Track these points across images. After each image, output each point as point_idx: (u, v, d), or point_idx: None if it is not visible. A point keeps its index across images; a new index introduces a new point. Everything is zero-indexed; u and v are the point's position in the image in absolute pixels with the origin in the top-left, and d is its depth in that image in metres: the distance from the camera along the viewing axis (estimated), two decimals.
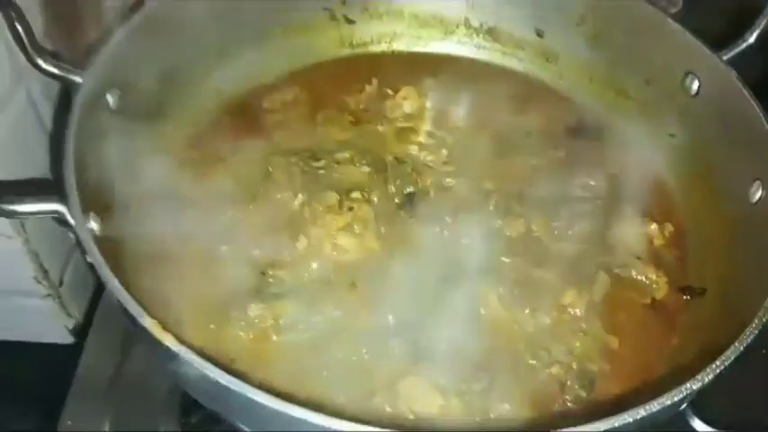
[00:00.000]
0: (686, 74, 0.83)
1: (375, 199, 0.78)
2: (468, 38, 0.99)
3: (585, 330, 0.72)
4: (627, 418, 0.50)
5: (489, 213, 0.79)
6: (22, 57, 0.77)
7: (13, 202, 0.59)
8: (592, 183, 0.83)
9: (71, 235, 0.60)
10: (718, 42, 0.80)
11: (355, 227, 0.75)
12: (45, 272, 0.88)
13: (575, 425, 0.49)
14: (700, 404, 0.63)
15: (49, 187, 0.61)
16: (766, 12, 0.79)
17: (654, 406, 0.52)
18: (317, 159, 0.81)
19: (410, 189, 0.80)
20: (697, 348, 0.68)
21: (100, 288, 0.97)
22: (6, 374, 0.93)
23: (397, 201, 0.80)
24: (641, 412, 0.51)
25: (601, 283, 0.74)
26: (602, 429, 0.50)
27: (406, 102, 0.90)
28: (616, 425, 0.50)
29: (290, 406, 0.47)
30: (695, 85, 0.82)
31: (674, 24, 0.82)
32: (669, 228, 0.81)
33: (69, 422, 0.78)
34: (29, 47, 0.68)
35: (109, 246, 0.64)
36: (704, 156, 0.82)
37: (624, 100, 0.92)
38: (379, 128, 0.89)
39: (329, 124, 0.89)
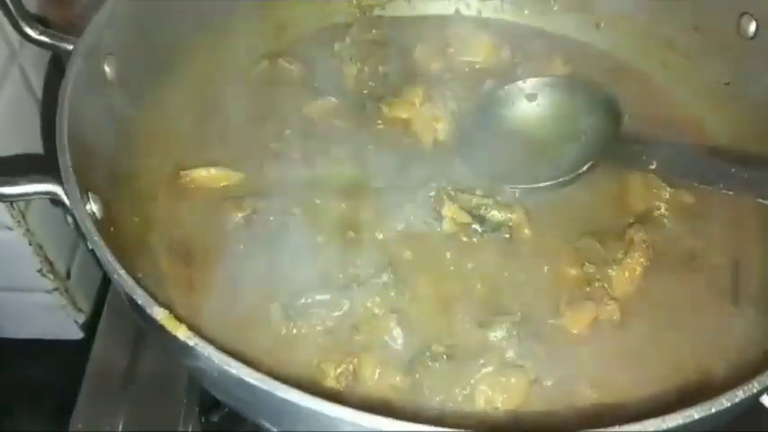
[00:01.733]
0: (741, 15, 0.74)
1: None
2: None
3: None
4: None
5: None
6: (14, 33, 0.72)
7: (2, 184, 0.53)
8: None
9: (69, 219, 0.54)
10: None
11: None
12: (50, 264, 0.84)
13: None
14: None
15: (43, 166, 0.54)
16: None
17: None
18: None
19: None
20: None
21: (107, 278, 0.92)
22: (15, 373, 0.89)
23: None
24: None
25: None
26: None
27: None
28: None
29: (329, 405, 0.41)
30: (752, 27, 0.74)
31: None
32: None
33: (80, 424, 0.72)
34: (15, 13, 0.62)
35: (112, 230, 0.58)
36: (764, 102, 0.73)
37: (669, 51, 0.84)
38: None
39: None
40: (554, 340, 0.64)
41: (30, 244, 0.80)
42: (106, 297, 0.88)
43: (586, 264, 0.68)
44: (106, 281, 0.93)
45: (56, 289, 0.85)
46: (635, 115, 0.77)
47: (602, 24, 0.89)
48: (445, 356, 0.62)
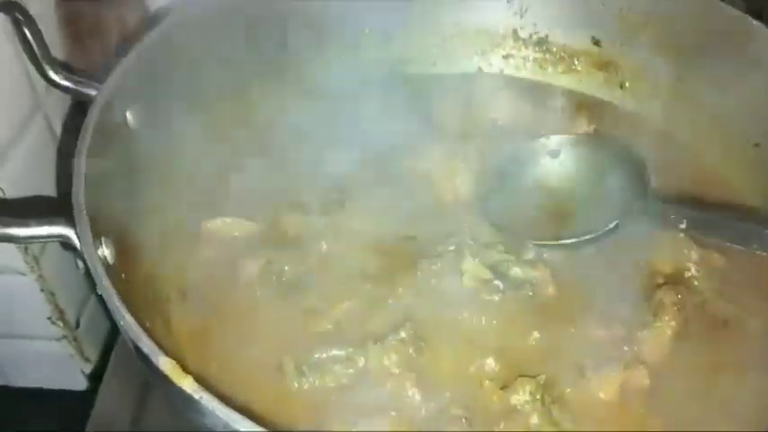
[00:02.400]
0: None
1: None
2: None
3: None
4: None
5: None
6: (39, 80, 0.73)
7: (12, 225, 0.51)
8: None
9: (79, 263, 0.52)
10: None
11: None
12: (61, 312, 0.83)
13: None
14: None
15: (56, 209, 0.53)
16: None
17: None
18: None
19: None
20: None
21: (116, 330, 0.90)
22: (16, 423, 0.86)
23: None
24: None
25: None
26: None
27: None
28: None
29: None
30: None
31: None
32: None
33: None
34: (41, 58, 0.62)
35: (123, 277, 0.56)
36: None
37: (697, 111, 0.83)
38: None
39: None
40: (580, 405, 0.61)
41: (41, 290, 0.79)
42: (112, 348, 0.85)
43: (614, 325, 0.65)
44: (114, 332, 0.91)
45: (64, 337, 0.84)
46: (662, 175, 0.75)
47: (627, 84, 0.89)
48: (464, 419, 0.58)
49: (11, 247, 0.73)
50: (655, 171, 0.75)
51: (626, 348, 0.64)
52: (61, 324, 0.83)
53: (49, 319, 0.81)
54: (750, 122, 0.78)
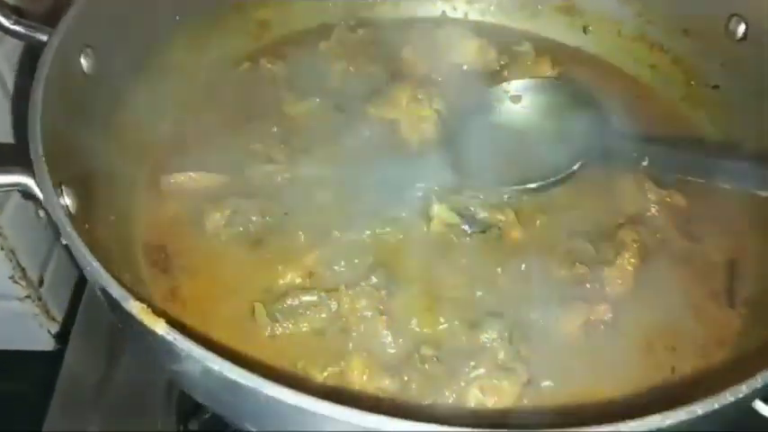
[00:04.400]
0: (730, 17, 0.74)
1: None
2: None
3: None
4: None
5: None
6: None
7: None
8: None
9: (41, 213, 0.51)
10: None
11: None
12: (23, 270, 0.81)
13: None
14: None
15: (10, 157, 0.51)
16: None
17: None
18: None
19: None
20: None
21: (81, 284, 0.89)
22: None
23: None
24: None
25: None
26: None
27: None
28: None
29: (319, 402, 0.38)
30: (741, 29, 0.74)
31: None
32: None
33: None
34: None
35: (87, 228, 0.55)
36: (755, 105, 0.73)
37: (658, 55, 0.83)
38: None
39: None
40: (546, 341, 0.62)
41: (1, 249, 0.77)
42: (79, 304, 0.84)
43: (577, 264, 0.67)
44: (79, 290, 0.90)
45: (28, 296, 0.82)
46: (624, 115, 0.76)
47: (590, 28, 0.89)
48: (435, 359, 0.59)
49: None
50: (617, 113, 0.75)
51: (588, 286, 0.66)
52: (24, 283, 0.81)
53: (11, 278, 0.79)
54: (709, 65, 0.79)
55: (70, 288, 0.90)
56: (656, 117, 0.81)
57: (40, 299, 0.84)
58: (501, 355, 0.60)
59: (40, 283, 0.84)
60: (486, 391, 0.57)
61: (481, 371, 0.59)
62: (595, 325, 0.64)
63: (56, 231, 0.51)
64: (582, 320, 0.64)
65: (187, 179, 0.73)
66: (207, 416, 0.66)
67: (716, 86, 0.79)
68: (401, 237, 0.68)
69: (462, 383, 0.58)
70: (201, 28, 0.80)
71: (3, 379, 0.85)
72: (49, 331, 0.86)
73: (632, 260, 0.67)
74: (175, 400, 0.68)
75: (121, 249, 0.65)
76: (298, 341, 0.61)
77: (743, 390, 0.45)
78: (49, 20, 0.62)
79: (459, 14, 0.93)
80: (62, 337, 0.87)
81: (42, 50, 0.59)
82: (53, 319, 0.86)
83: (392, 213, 0.69)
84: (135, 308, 0.43)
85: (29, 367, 0.85)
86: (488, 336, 0.61)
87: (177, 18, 0.76)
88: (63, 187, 0.52)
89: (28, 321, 0.84)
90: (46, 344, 0.87)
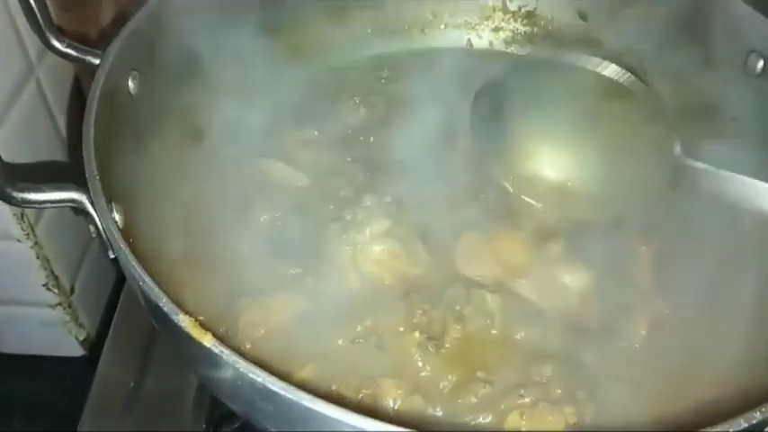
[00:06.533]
0: (749, 53, 0.77)
1: None
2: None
3: None
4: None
5: None
6: (31, 48, 0.73)
7: (28, 190, 0.53)
8: None
9: (92, 228, 0.54)
10: None
11: None
12: (56, 278, 0.83)
13: None
14: None
15: (66, 174, 0.54)
16: None
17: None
18: None
19: None
20: None
21: (113, 295, 0.92)
22: (11, 389, 0.87)
23: None
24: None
25: None
26: None
27: None
28: None
29: (358, 417, 0.41)
30: (760, 64, 0.76)
31: None
32: None
33: None
34: (43, 24, 0.62)
35: (131, 242, 0.58)
36: None
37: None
38: None
39: None
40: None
41: (37, 257, 0.79)
42: (108, 315, 0.87)
43: None
44: (112, 298, 0.93)
45: (59, 304, 0.84)
46: None
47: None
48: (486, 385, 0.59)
49: (6, 213, 0.74)
50: None
51: None
52: (56, 290, 0.83)
53: (45, 285, 0.82)
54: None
55: (99, 297, 0.93)
56: None
57: (70, 306, 0.86)
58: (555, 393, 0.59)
59: (71, 290, 0.86)
60: (527, 417, 0.57)
61: (526, 400, 0.58)
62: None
63: (102, 246, 0.53)
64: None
65: None
66: (237, 425, 0.68)
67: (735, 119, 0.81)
68: None
69: (502, 406, 0.58)
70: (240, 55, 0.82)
71: (31, 382, 0.88)
72: (76, 338, 0.89)
73: None
74: (206, 408, 0.71)
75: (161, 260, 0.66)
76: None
77: None
78: (85, 42, 0.65)
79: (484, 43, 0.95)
80: (90, 344, 0.89)
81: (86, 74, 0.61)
82: (81, 326, 0.89)
83: None
84: (184, 321, 0.45)
85: (57, 373, 0.88)
86: (545, 372, 0.60)
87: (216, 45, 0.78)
88: (113, 203, 0.55)
89: (57, 328, 0.87)
90: (73, 350, 0.89)
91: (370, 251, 0.66)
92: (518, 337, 0.63)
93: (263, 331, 0.60)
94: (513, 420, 0.57)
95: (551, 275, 0.67)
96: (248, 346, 0.59)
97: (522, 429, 0.56)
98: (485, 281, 0.66)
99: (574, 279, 0.66)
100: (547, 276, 0.66)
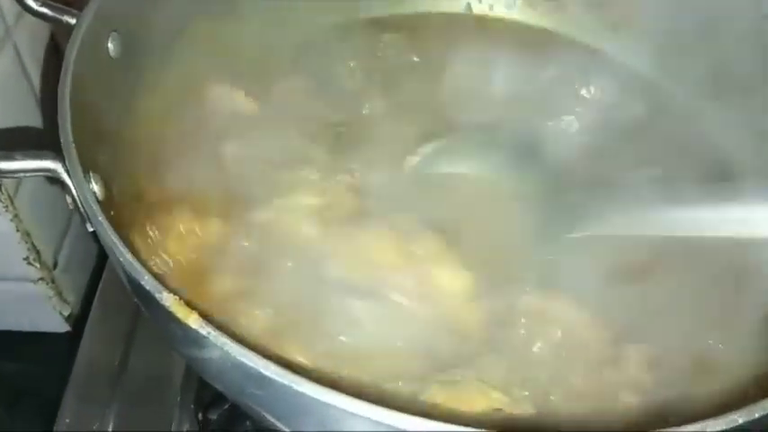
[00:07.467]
0: None
1: None
2: None
3: None
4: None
5: None
6: (8, 11, 0.69)
7: None
8: None
9: (68, 199, 0.50)
10: None
11: None
12: (37, 252, 0.80)
13: None
14: None
15: (42, 142, 0.51)
16: None
17: None
18: None
19: None
20: None
21: (99, 270, 0.89)
22: None
23: None
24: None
25: None
26: None
27: None
28: None
29: (354, 402, 0.38)
30: None
31: None
32: None
33: (67, 420, 0.68)
34: None
35: (113, 215, 0.54)
36: None
37: None
38: None
39: None
40: None
41: (17, 230, 0.76)
42: (94, 290, 0.85)
43: None
44: (95, 273, 0.90)
45: (41, 279, 0.82)
46: None
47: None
48: None
49: None
50: None
51: None
52: (38, 265, 0.80)
53: (26, 259, 0.79)
54: None
55: (83, 271, 0.90)
56: None
57: (53, 281, 0.84)
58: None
59: (54, 265, 0.84)
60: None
61: None
62: None
63: (81, 218, 0.50)
64: None
65: None
66: (226, 407, 0.65)
67: None
68: None
69: None
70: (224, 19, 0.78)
71: (14, 358, 0.85)
72: (61, 313, 0.86)
73: None
74: (194, 389, 0.68)
75: (146, 235, 0.64)
76: None
77: None
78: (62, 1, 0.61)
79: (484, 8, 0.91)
80: (75, 319, 0.87)
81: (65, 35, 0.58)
82: (66, 302, 0.86)
83: None
84: (168, 300, 0.42)
85: (40, 348, 0.85)
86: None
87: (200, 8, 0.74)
88: (91, 173, 0.52)
89: (41, 304, 0.84)
90: (58, 326, 0.87)
91: None
92: None
93: None
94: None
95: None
96: None
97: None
98: None
99: None
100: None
